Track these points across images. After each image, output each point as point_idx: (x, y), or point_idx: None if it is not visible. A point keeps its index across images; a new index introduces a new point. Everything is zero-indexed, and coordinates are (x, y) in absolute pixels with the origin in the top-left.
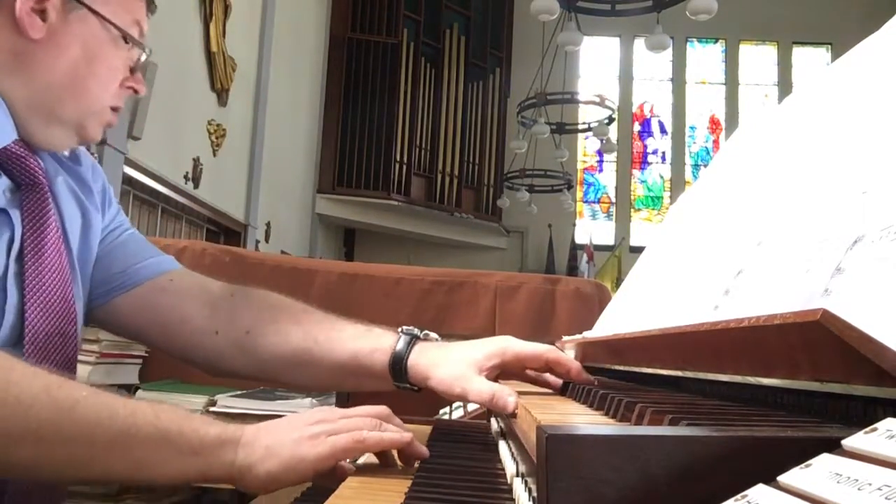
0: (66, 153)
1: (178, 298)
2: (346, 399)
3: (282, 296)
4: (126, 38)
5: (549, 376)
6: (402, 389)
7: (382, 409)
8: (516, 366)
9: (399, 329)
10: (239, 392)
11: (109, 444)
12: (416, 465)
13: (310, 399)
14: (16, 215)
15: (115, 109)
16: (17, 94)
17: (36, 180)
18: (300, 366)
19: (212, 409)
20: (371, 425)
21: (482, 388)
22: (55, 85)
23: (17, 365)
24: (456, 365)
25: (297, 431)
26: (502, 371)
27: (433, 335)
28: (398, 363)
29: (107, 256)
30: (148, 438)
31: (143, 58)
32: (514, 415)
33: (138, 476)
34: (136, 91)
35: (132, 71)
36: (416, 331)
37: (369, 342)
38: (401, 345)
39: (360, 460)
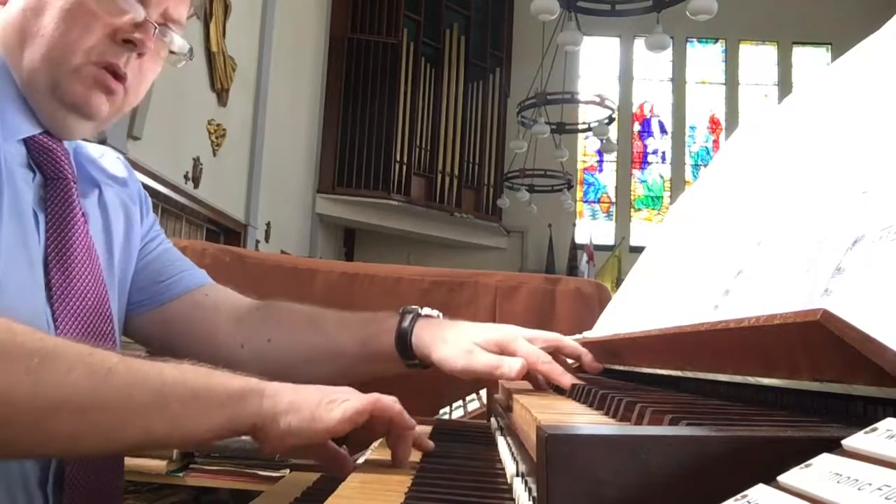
0: (110, 163)
1: (210, 313)
2: None
3: (297, 303)
4: None
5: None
6: (413, 367)
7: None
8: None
9: (400, 309)
10: None
11: (145, 406)
12: (417, 463)
13: None
14: (42, 217)
15: (105, 67)
16: (23, 79)
17: (61, 174)
18: (315, 362)
19: None
20: (388, 399)
21: (489, 358)
22: (14, 45)
23: (48, 337)
24: (460, 343)
25: (318, 395)
26: None
27: (434, 312)
28: (403, 340)
29: (145, 268)
30: (180, 397)
31: (138, 16)
32: (510, 407)
33: (174, 435)
34: (135, 45)
35: (130, 21)
36: (417, 309)
37: (375, 326)
38: (404, 323)
39: (361, 459)
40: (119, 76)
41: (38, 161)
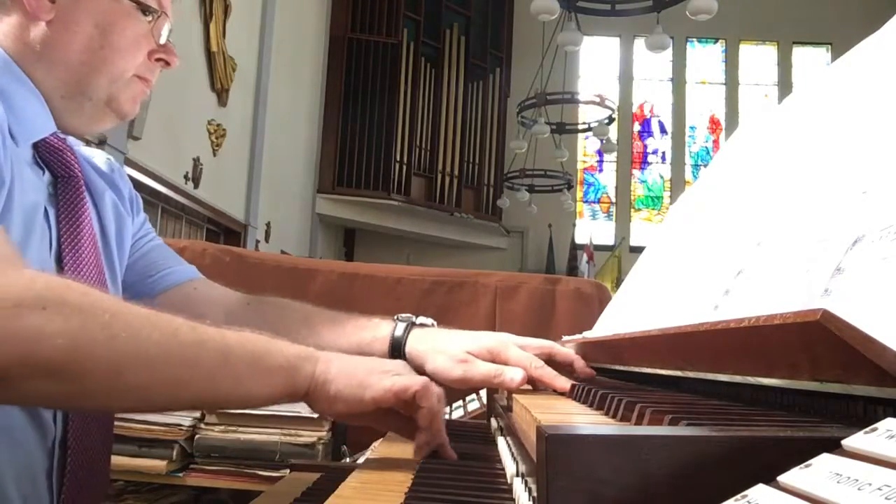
0: (101, 164)
1: (200, 307)
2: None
3: (292, 300)
4: (141, 7)
5: (550, 379)
6: None
7: (441, 391)
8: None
9: (395, 317)
10: None
11: (211, 363)
12: (417, 463)
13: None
14: (52, 214)
15: (144, 80)
16: (48, 84)
17: (72, 172)
18: None
19: None
20: (435, 391)
21: (488, 367)
22: (75, 63)
23: (115, 298)
24: (454, 352)
25: (368, 365)
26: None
27: (429, 321)
28: (397, 350)
29: (136, 263)
30: (241, 358)
31: (167, 27)
32: (510, 407)
33: (235, 394)
34: (167, 63)
35: (160, 44)
36: (412, 318)
37: (369, 332)
38: (398, 332)
39: (361, 459)
40: (148, 83)
41: (47, 160)
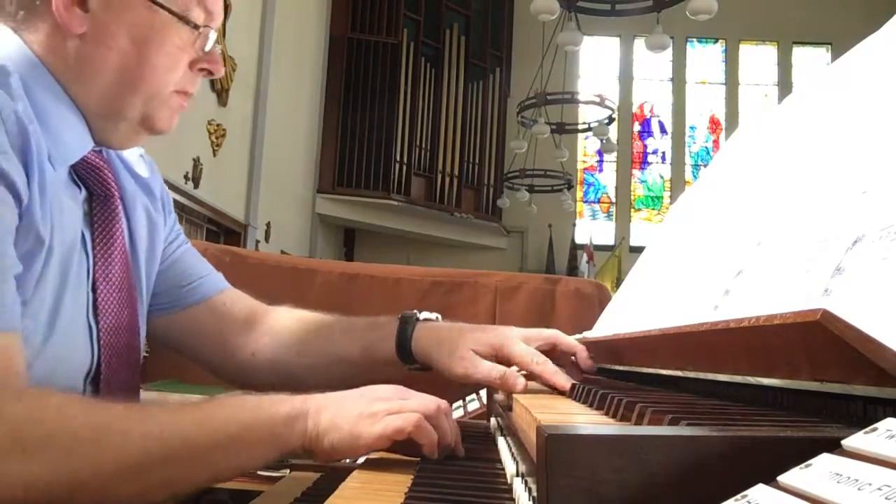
0: (136, 164)
1: (228, 321)
2: None
3: (307, 311)
4: (180, 18)
5: (549, 376)
6: (414, 371)
7: (442, 403)
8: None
9: (399, 316)
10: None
11: (204, 455)
12: (417, 463)
13: None
14: (88, 237)
15: (184, 94)
16: (85, 99)
17: (109, 191)
18: (321, 368)
19: None
20: (432, 410)
21: (489, 367)
22: (110, 81)
23: (100, 407)
24: (458, 349)
25: (358, 407)
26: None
27: (433, 315)
28: (403, 348)
29: (167, 270)
30: (233, 438)
31: (213, 36)
32: (510, 407)
33: (236, 468)
34: (211, 73)
35: (203, 51)
36: (416, 314)
37: (376, 332)
38: (402, 329)
39: (361, 459)
40: (187, 96)
41: (83, 177)
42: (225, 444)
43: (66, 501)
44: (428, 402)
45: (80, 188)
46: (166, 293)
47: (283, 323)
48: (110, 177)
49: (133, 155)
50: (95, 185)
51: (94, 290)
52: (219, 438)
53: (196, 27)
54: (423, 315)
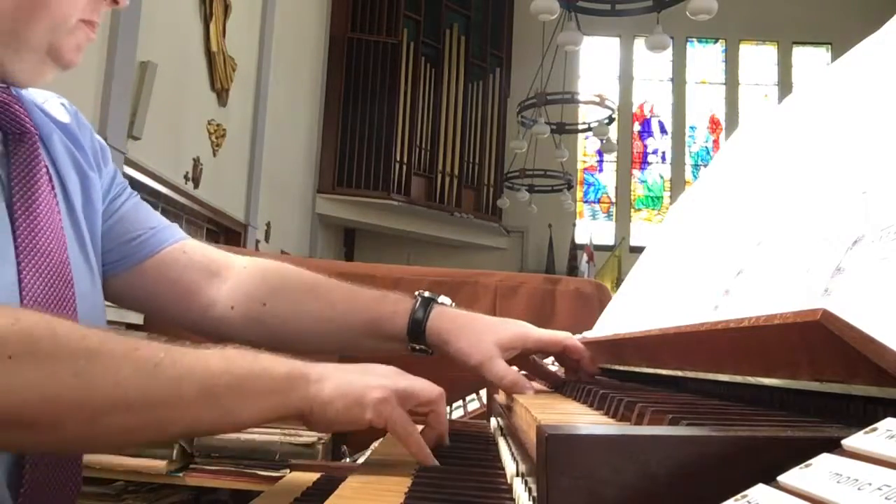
0: (56, 111)
1: (192, 270)
2: None
3: (298, 268)
4: None
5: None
6: (416, 353)
7: (440, 392)
8: (534, 352)
9: (416, 293)
10: None
11: (194, 399)
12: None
13: None
14: (4, 178)
15: (89, 24)
16: None
17: (24, 128)
18: (317, 333)
19: None
20: (436, 395)
21: (503, 371)
22: (9, 8)
23: (92, 332)
24: (480, 340)
25: (366, 378)
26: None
27: (447, 300)
28: (417, 326)
29: (115, 225)
30: (227, 386)
31: None
32: (509, 407)
33: (223, 422)
34: (115, 2)
35: None
36: (434, 296)
37: (388, 306)
38: (419, 308)
39: (361, 459)
40: (94, 26)
41: None
42: (219, 393)
43: (53, 427)
44: (431, 386)
45: None
46: (115, 250)
47: (270, 277)
48: (22, 111)
49: (53, 103)
50: (7, 123)
51: (14, 232)
52: (215, 385)
53: None
54: (441, 299)
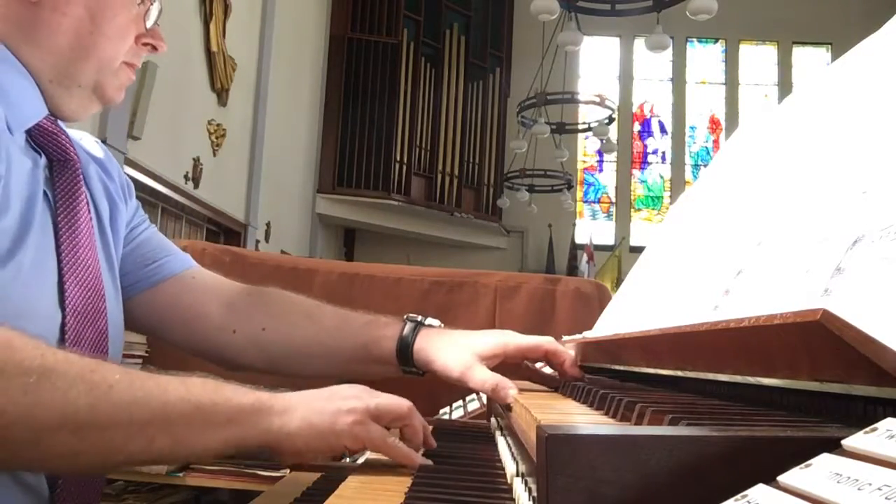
0: (91, 148)
1: (199, 296)
2: None
3: (294, 294)
4: None
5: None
6: (409, 374)
7: (410, 406)
8: (517, 358)
9: (404, 317)
10: None
11: (146, 424)
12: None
13: None
14: (50, 195)
15: (131, 66)
16: (38, 65)
17: (68, 156)
18: (313, 357)
19: None
20: (405, 410)
21: (485, 377)
22: (64, 48)
23: (49, 351)
24: (459, 352)
25: (334, 403)
26: (501, 363)
27: (435, 322)
28: (405, 349)
29: (131, 252)
30: (182, 415)
31: (156, 11)
32: (509, 407)
33: (177, 451)
34: (154, 48)
35: (146, 27)
36: (419, 318)
37: (377, 331)
38: (406, 331)
39: (361, 459)
40: (134, 68)
41: (42, 144)
42: (173, 420)
43: None
44: (399, 401)
45: (39, 154)
46: (131, 273)
47: (268, 302)
48: (68, 142)
49: (89, 141)
50: (54, 151)
51: (58, 252)
52: (170, 412)
53: (142, 1)
54: (428, 321)
